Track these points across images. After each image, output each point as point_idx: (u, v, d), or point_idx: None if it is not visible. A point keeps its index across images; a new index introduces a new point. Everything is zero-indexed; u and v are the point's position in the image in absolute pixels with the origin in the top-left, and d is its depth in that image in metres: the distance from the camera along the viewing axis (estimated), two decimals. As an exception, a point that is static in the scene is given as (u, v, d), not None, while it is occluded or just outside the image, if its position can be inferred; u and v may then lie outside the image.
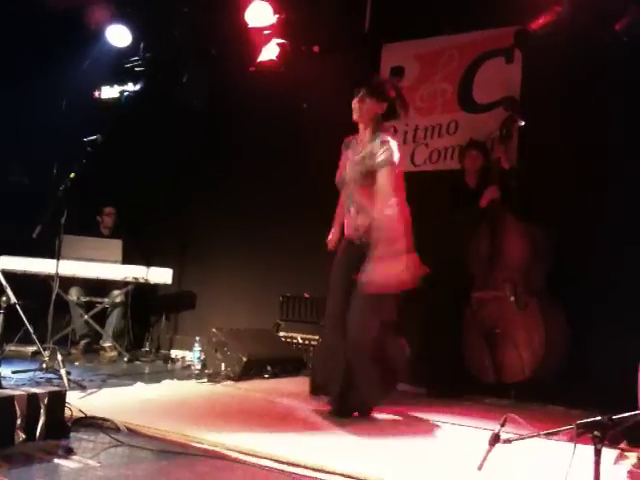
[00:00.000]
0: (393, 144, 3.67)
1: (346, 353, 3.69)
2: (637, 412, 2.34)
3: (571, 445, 2.15)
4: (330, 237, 4.12)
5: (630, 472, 2.92)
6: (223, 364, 5.08)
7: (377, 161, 3.63)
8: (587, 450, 2.13)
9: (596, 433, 2.09)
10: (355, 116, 3.78)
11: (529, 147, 5.06)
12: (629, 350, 3.19)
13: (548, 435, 2.42)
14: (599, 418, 2.11)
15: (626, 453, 3.18)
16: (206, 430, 3.10)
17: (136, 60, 6.74)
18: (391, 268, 3.49)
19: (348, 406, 3.73)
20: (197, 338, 5.63)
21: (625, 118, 4.61)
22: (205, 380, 4.89)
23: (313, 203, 5.98)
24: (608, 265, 4.55)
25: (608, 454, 2.98)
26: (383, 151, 3.63)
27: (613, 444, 3.16)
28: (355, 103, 3.76)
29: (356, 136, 3.91)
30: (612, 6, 4.48)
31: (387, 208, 3.59)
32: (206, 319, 6.37)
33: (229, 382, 4.85)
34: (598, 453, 2.09)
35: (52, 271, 4.90)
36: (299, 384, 5.00)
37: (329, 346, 3.95)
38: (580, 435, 2.15)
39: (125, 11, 6.41)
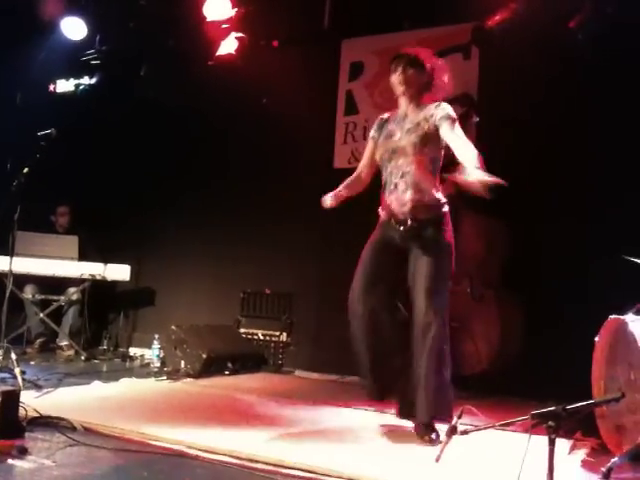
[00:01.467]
0: (447, 105, 3.45)
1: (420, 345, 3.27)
2: (590, 402, 2.40)
3: (526, 435, 2.19)
4: (335, 193, 3.59)
5: (584, 461, 2.98)
6: (183, 361, 5.04)
7: (438, 117, 3.38)
8: (542, 440, 2.17)
9: (550, 423, 2.14)
10: (400, 90, 3.52)
11: (485, 143, 5.11)
12: (584, 341, 3.25)
13: (504, 426, 2.47)
14: (553, 408, 2.16)
15: (580, 443, 3.25)
16: (165, 428, 3.08)
17: (92, 53, 6.63)
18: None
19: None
20: (156, 335, 5.56)
21: (581, 113, 4.70)
22: (164, 378, 4.84)
23: (274, 198, 5.98)
24: (564, 257, 4.64)
25: (563, 444, 3.05)
26: (441, 109, 3.40)
27: (568, 434, 3.23)
28: (397, 77, 3.50)
29: (394, 112, 3.65)
30: (567, 4, 4.55)
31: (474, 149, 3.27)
32: (165, 316, 6.31)
33: (189, 379, 4.82)
34: (552, 443, 2.14)
35: (5, 268, 4.81)
36: (259, 380, 5.00)
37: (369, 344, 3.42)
38: (535, 426, 2.19)
39: (80, 3, 6.30)
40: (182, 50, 6.20)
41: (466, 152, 3.25)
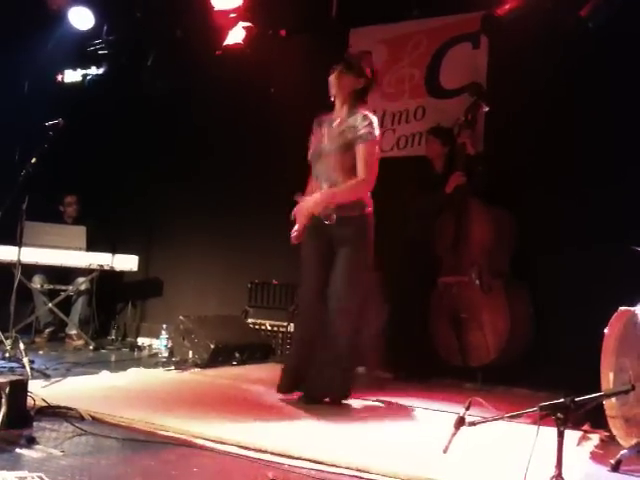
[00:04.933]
0: (374, 119, 3.66)
1: (326, 336, 3.64)
2: (599, 394, 2.38)
3: (535, 427, 2.18)
4: (296, 229, 3.88)
5: (592, 453, 2.97)
6: (190, 351, 5.05)
7: (359, 134, 3.60)
8: (551, 432, 2.16)
9: (559, 415, 2.13)
10: (332, 91, 3.73)
11: (494, 133, 5.09)
12: (594, 333, 3.23)
13: (512, 417, 2.45)
14: (562, 400, 2.15)
15: (589, 435, 3.24)
16: (172, 418, 3.08)
17: (99, 43, 6.61)
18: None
19: (321, 391, 3.71)
20: (164, 326, 5.58)
21: (590, 103, 4.66)
22: (172, 368, 4.84)
23: (281, 188, 5.94)
24: (573, 248, 4.60)
25: (571, 436, 3.04)
26: (365, 125, 3.60)
27: (576, 426, 3.22)
28: (333, 79, 3.70)
29: (330, 113, 3.85)
30: (577, -8, 4.50)
31: (359, 186, 3.62)
32: (173, 306, 6.32)
33: (197, 369, 4.82)
34: (561, 435, 2.13)
35: (14, 258, 4.82)
36: (267, 370, 4.99)
37: (303, 337, 3.87)
38: (543, 417, 2.18)
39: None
40: (189, 40, 6.18)
41: (342, 187, 3.62)
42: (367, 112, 3.68)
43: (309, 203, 3.64)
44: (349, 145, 3.63)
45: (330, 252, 3.70)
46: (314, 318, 3.72)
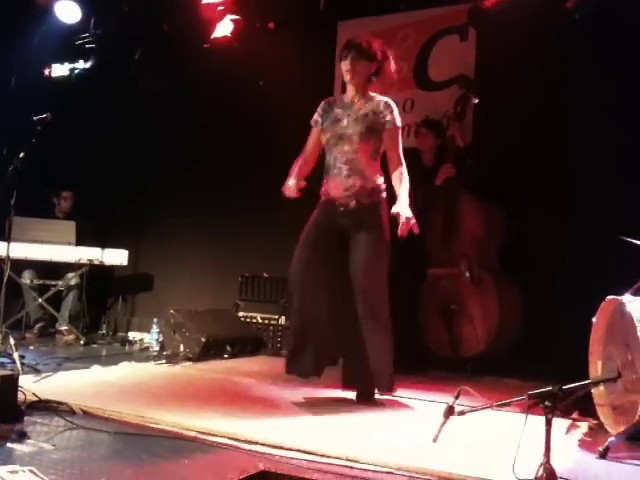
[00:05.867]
0: (395, 107, 3.67)
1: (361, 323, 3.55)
2: (587, 382, 2.41)
3: (524, 416, 2.20)
4: (289, 183, 3.74)
5: (581, 441, 3.00)
6: (182, 345, 5.05)
7: (386, 119, 3.60)
8: (540, 420, 2.18)
9: (547, 403, 2.15)
10: (348, 78, 3.67)
11: (483, 125, 5.11)
12: (582, 322, 3.26)
13: (501, 406, 2.47)
14: (550, 389, 2.17)
15: (577, 423, 3.27)
16: (163, 411, 3.08)
17: (87, 37, 6.58)
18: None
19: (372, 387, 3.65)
20: (155, 320, 5.58)
21: (579, 94, 4.68)
22: (163, 362, 4.85)
23: (272, 182, 5.93)
24: (562, 240, 4.63)
25: (560, 424, 3.06)
26: (390, 112, 3.62)
27: (565, 414, 3.25)
28: (347, 65, 3.63)
29: (339, 97, 3.84)
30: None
31: (406, 173, 3.62)
32: (164, 300, 6.32)
33: (188, 363, 4.83)
34: (549, 423, 2.15)
35: (3, 254, 4.80)
36: (258, 363, 5.01)
37: (306, 321, 3.66)
38: (532, 406, 2.20)
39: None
40: (177, 33, 6.16)
41: (401, 177, 3.61)
42: (388, 99, 3.68)
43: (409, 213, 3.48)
44: (373, 130, 3.61)
45: (340, 240, 3.64)
46: (319, 303, 3.61)
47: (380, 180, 3.69)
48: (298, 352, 3.69)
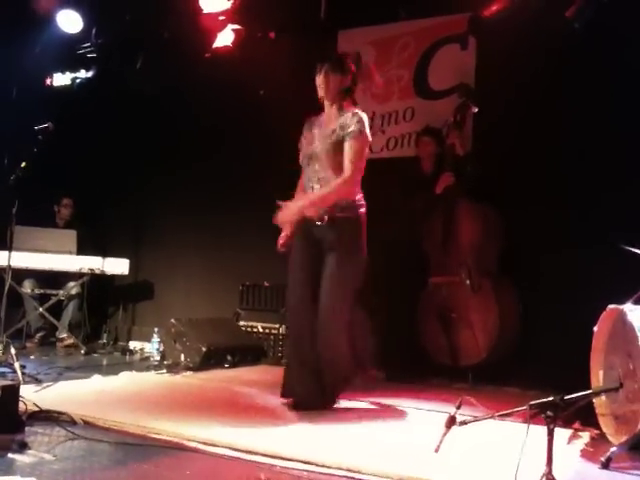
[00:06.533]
0: (364, 117, 3.62)
1: (317, 339, 3.60)
2: (588, 392, 2.41)
3: (525, 426, 2.20)
4: (282, 235, 3.86)
5: (583, 451, 2.99)
6: (182, 355, 5.04)
7: (350, 130, 3.55)
8: (542, 430, 2.18)
9: (548, 413, 2.14)
10: (321, 93, 3.68)
11: (483, 133, 5.12)
12: (583, 331, 3.25)
13: (502, 416, 2.47)
14: (551, 399, 2.16)
15: (579, 433, 3.26)
16: (164, 421, 3.08)
17: (88, 46, 6.60)
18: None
19: (318, 395, 3.65)
20: (155, 329, 5.58)
21: (578, 103, 4.68)
22: (164, 371, 4.85)
23: (272, 189, 5.94)
24: (562, 247, 4.63)
25: (562, 434, 3.06)
26: (355, 122, 3.56)
27: (567, 424, 3.24)
28: (320, 80, 3.66)
29: (320, 115, 3.83)
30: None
31: (343, 185, 3.55)
32: (165, 309, 6.32)
33: (189, 373, 4.82)
34: (551, 433, 2.15)
35: (4, 263, 4.80)
36: (259, 373, 5.00)
37: (295, 339, 3.81)
38: (533, 416, 2.19)
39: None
40: (179, 43, 6.17)
41: (331, 183, 3.57)
42: (357, 110, 3.64)
43: (292, 209, 3.59)
44: (339, 144, 3.58)
45: (319, 253, 3.67)
46: (304, 319, 3.67)
47: (357, 196, 3.67)
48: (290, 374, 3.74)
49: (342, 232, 3.61)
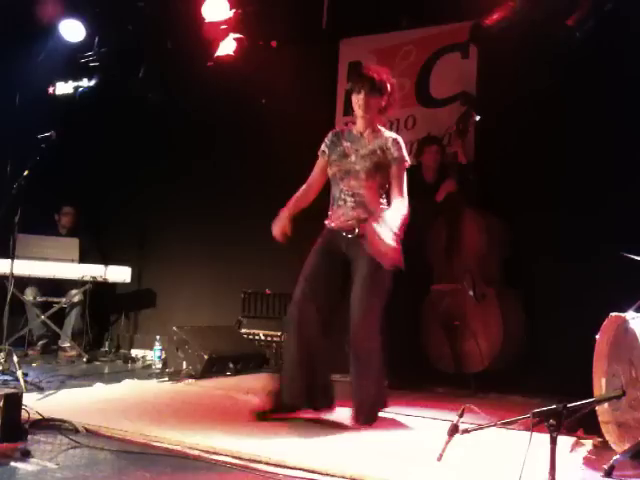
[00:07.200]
0: (402, 143, 3.70)
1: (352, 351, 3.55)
2: (591, 400, 2.40)
3: (528, 434, 2.20)
4: (281, 218, 3.79)
5: (586, 459, 2.98)
6: (185, 362, 5.04)
7: (395, 156, 3.62)
8: (544, 438, 2.17)
9: (551, 421, 2.14)
10: (357, 110, 3.68)
11: (485, 141, 5.13)
12: (586, 339, 3.25)
13: (505, 424, 2.47)
14: (554, 407, 2.16)
15: (582, 441, 3.25)
16: (167, 429, 3.08)
17: (91, 55, 6.62)
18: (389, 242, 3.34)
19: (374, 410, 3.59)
20: (157, 337, 5.58)
21: (581, 110, 4.70)
22: (166, 379, 4.85)
23: (273, 198, 5.95)
24: (566, 255, 4.64)
25: (564, 442, 3.05)
26: (398, 149, 3.64)
27: (569, 432, 3.24)
28: (359, 99, 3.64)
29: (348, 127, 3.86)
30: (564, 2, 4.55)
31: (404, 205, 3.58)
32: (167, 317, 6.32)
33: (191, 380, 4.82)
34: (554, 441, 2.14)
35: (6, 271, 4.81)
36: (261, 381, 4.97)
37: (301, 351, 3.60)
38: (536, 424, 2.19)
39: (78, 5, 6.29)
40: (181, 51, 6.20)
41: (396, 208, 3.55)
42: (396, 136, 3.72)
43: (388, 237, 3.34)
44: (380, 166, 3.63)
45: (343, 266, 3.65)
46: (314, 330, 3.59)
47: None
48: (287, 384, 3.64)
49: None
